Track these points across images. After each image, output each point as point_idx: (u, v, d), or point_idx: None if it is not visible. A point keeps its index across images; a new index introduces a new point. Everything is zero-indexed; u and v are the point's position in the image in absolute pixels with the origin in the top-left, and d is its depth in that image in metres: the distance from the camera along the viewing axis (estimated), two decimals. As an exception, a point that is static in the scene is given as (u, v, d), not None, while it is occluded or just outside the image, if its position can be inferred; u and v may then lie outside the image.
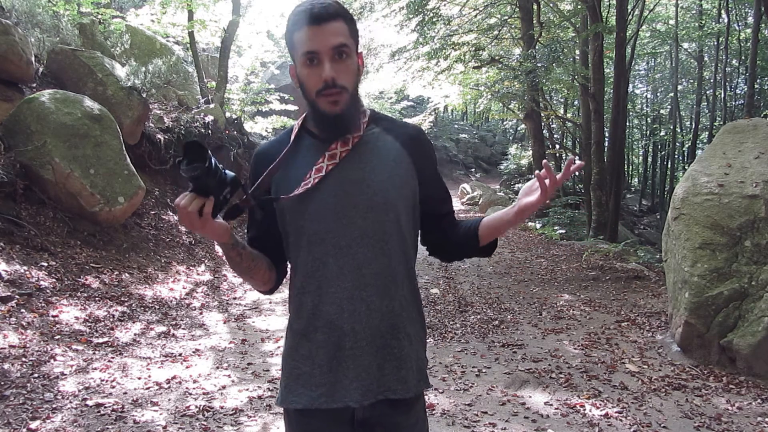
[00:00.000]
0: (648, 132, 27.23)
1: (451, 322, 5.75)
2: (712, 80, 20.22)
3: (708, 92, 21.25)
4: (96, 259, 5.86)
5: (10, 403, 3.30)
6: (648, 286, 7.22)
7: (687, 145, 22.97)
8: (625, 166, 20.59)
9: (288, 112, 12.57)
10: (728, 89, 20.00)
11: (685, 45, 22.37)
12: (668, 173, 24.36)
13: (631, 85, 21.59)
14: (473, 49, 14.29)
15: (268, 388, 3.86)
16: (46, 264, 5.22)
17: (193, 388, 3.80)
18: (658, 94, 27.16)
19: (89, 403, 3.44)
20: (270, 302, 6.18)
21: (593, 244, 9.74)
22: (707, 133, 20.03)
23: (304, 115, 1.49)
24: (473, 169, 29.29)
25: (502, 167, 25.50)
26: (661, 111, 25.83)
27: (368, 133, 1.43)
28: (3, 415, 3.17)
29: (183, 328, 5.13)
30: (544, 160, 1.39)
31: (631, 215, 21.63)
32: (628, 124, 19.12)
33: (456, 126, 33.52)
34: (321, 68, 1.31)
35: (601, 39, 11.42)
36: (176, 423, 3.30)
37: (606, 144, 12.17)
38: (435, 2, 14.25)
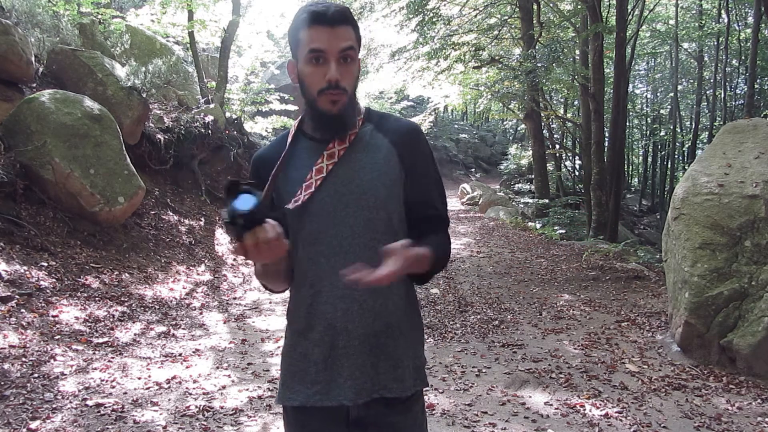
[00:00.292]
0: (648, 132, 27.23)
1: (451, 322, 5.75)
2: (712, 80, 20.22)
3: (708, 92, 21.25)
4: (96, 259, 5.87)
5: (10, 403, 3.30)
6: (648, 286, 7.21)
7: (687, 145, 22.97)
8: (625, 166, 20.60)
9: (288, 112, 12.56)
10: (728, 89, 20.00)
11: (685, 45, 22.38)
12: (668, 173, 24.36)
13: (631, 85, 21.60)
14: (473, 49, 14.29)
15: (268, 388, 3.86)
16: (46, 264, 5.22)
17: (193, 388, 3.80)
18: (658, 94, 27.17)
19: (89, 403, 3.44)
20: (270, 302, 6.19)
21: (593, 244, 9.74)
22: (707, 133, 20.03)
23: (300, 117, 1.50)
24: (473, 169, 29.30)
25: (502, 167, 25.49)
26: (661, 111, 25.84)
27: (362, 131, 1.44)
28: (3, 415, 3.17)
29: (183, 328, 5.13)
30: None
31: (631, 215, 21.63)
32: (628, 124, 19.13)
33: (456, 126, 33.51)
34: (326, 68, 1.32)
35: (601, 39, 11.41)
36: (176, 423, 3.30)
37: (606, 144, 12.16)
38: (435, 2, 14.24)
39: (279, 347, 4.69)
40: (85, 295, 5.16)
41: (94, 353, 4.24)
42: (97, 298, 5.19)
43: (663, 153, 26.36)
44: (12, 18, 7.36)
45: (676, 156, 24.72)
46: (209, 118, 9.30)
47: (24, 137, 5.94)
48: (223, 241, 8.04)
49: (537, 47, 13.72)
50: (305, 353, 1.41)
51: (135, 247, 6.56)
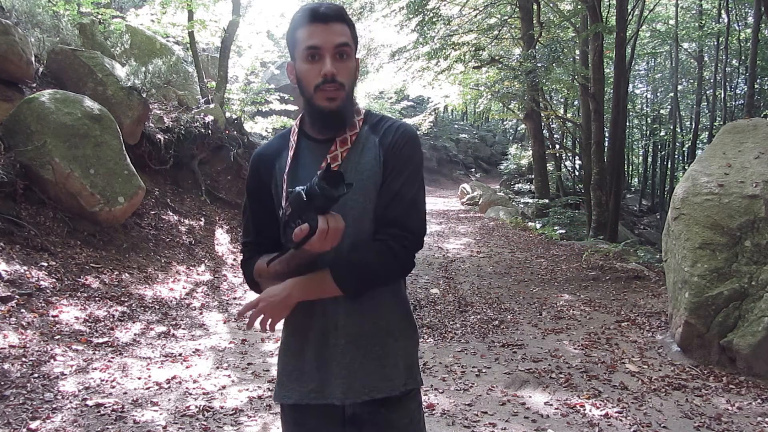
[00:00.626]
0: (648, 132, 27.21)
1: (451, 322, 5.75)
2: (712, 80, 20.21)
3: (708, 92, 21.24)
4: (96, 259, 5.86)
5: (10, 403, 3.30)
6: (648, 286, 7.21)
7: (687, 145, 22.97)
8: (625, 166, 20.60)
9: (288, 112, 12.56)
10: (728, 89, 19.99)
11: (685, 45, 22.37)
12: (668, 173, 24.35)
13: (631, 85, 21.59)
14: (473, 49, 14.29)
15: (268, 388, 3.86)
16: (46, 264, 5.22)
17: (193, 388, 3.80)
18: (658, 94, 27.15)
19: (89, 403, 3.44)
20: (270, 302, 6.18)
21: (593, 244, 9.74)
22: (707, 133, 20.02)
23: (300, 116, 1.50)
24: (473, 169, 29.30)
25: (502, 167, 25.47)
26: (661, 111, 25.82)
27: (361, 132, 1.45)
28: (3, 415, 3.17)
29: (183, 328, 5.13)
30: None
31: (631, 215, 21.62)
32: (628, 124, 19.12)
33: (456, 126, 33.51)
34: (321, 64, 1.34)
35: (601, 39, 11.41)
36: (176, 423, 3.30)
37: (606, 144, 12.16)
38: (435, 2, 14.24)
39: (278, 347, 4.69)
40: (85, 295, 5.16)
41: (94, 353, 4.24)
42: (97, 298, 5.19)
43: (663, 153, 26.35)
44: (12, 18, 7.36)
45: (676, 156, 24.71)
46: (209, 118, 9.29)
47: (24, 137, 5.94)
48: (223, 241, 8.04)
49: (537, 47, 13.72)
50: (299, 352, 1.44)
51: (135, 247, 6.55)
